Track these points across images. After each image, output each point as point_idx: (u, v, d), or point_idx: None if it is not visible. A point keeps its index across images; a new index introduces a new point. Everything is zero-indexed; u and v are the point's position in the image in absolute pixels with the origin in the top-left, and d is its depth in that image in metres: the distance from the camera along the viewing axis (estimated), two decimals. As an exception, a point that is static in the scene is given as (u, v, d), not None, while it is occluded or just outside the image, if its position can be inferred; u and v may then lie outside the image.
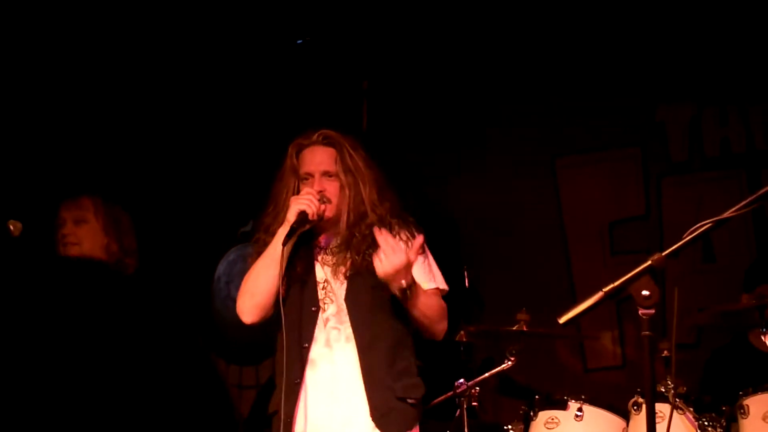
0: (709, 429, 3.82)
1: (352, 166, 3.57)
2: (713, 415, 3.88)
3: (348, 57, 5.79)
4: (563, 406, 4.11)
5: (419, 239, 3.48)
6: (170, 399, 1.34)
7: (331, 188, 3.57)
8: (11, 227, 3.50)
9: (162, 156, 5.78)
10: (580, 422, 4.04)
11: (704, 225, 2.47)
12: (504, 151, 5.87)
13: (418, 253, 3.46)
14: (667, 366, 4.10)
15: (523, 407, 4.26)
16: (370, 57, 5.79)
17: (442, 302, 3.62)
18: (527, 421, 4.20)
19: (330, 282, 3.60)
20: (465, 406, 4.10)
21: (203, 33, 5.61)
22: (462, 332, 4.44)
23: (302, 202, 3.47)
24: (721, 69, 5.41)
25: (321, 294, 3.60)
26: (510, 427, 4.28)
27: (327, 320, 3.58)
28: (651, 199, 5.62)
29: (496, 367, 4.24)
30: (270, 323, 3.63)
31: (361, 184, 3.57)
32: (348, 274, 3.56)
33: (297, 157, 3.66)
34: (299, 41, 5.82)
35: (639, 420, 3.91)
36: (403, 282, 3.37)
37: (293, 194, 3.60)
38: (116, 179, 5.13)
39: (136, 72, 5.59)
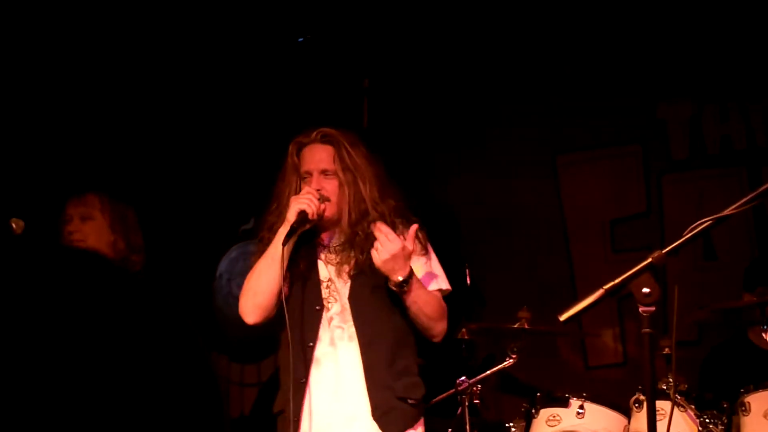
0: (711, 426, 3.83)
1: (350, 163, 3.57)
2: (714, 412, 3.88)
3: (349, 55, 5.79)
4: (565, 404, 4.11)
5: (414, 227, 3.49)
6: (163, 397, 1.34)
7: (330, 186, 3.58)
8: (14, 225, 3.50)
9: (163, 154, 5.78)
10: (582, 419, 4.05)
11: (704, 222, 2.47)
12: (505, 149, 5.87)
13: (413, 241, 3.47)
14: (668, 363, 4.11)
15: (524, 405, 4.27)
16: (371, 55, 5.79)
17: (443, 303, 3.63)
18: (529, 418, 4.21)
19: (334, 281, 3.60)
20: (467, 404, 4.11)
21: (205, 32, 5.61)
22: (463, 330, 4.45)
23: (302, 202, 3.47)
24: (722, 66, 5.41)
25: (325, 293, 3.60)
26: (512, 424, 4.29)
27: (331, 319, 3.58)
28: (652, 197, 5.62)
29: (498, 365, 4.25)
30: (273, 323, 3.63)
31: (360, 181, 3.57)
32: (352, 273, 3.57)
33: (298, 156, 3.66)
34: (300, 39, 5.82)
35: (640, 417, 3.91)
36: (400, 275, 3.38)
37: (295, 193, 3.60)
38: (118, 177, 5.14)
39: (138, 70, 5.60)
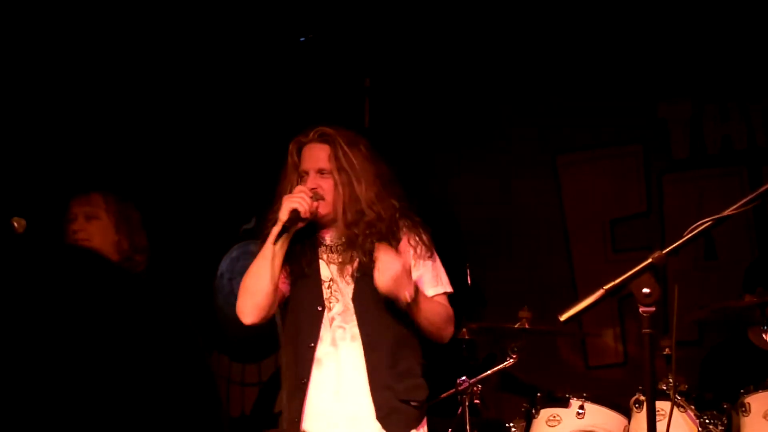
0: (710, 427, 3.82)
1: (346, 163, 3.57)
2: (714, 412, 3.88)
3: (350, 55, 5.80)
4: (565, 404, 4.11)
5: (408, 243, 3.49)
6: (161, 398, 1.34)
7: (326, 185, 3.57)
8: (15, 224, 3.51)
9: (164, 153, 5.79)
10: (582, 420, 4.05)
11: (705, 223, 2.48)
12: (505, 149, 5.87)
13: (411, 252, 3.47)
14: (669, 363, 4.11)
15: (524, 404, 4.27)
16: (372, 55, 5.80)
17: (449, 308, 3.64)
18: (529, 418, 4.21)
19: (336, 281, 3.60)
20: (467, 404, 4.11)
21: (207, 32, 5.62)
22: (464, 329, 4.45)
23: (294, 201, 3.47)
24: (722, 66, 5.41)
25: (326, 293, 3.60)
26: (512, 424, 4.29)
27: (333, 319, 3.58)
28: (652, 197, 5.62)
29: (498, 365, 4.25)
30: (274, 323, 3.64)
31: (355, 181, 3.55)
32: (356, 275, 3.57)
33: (298, 155, 3.67)
34: (302, 39, 5.83)
35: (641, 418, 3.91)
36: (406, 296, 3.39)
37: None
38: (119, 176, 5.14)
39: (140, 70, 5.60)
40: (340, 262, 3.60)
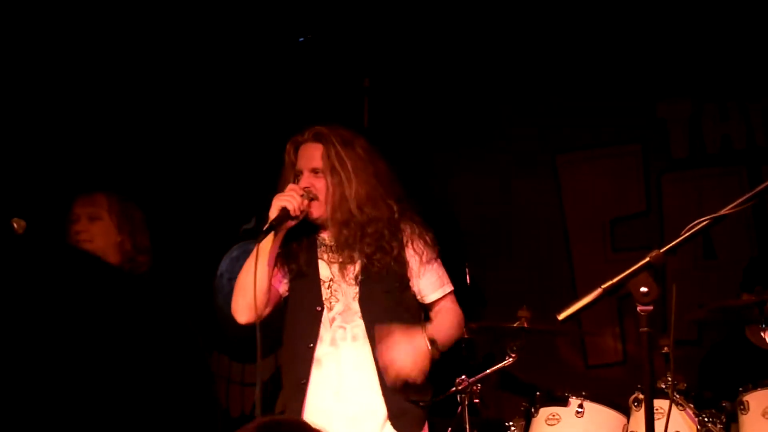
0: (709, 425, 3.83)
1: (338, 163, 3.58)
2: (713, 411, 3.89)
3: (349, 55, 5.80)
4: (564, 403, 4.12)
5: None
6: (158, 397, 1.35)
7: (319, 185, 3.59)
8: (15, 225, 3.51)
9: (164, 153, 5.80)
10: (581, 418, 4.05)
11: (702, 222, 2.48)
12: (505, 148, 5.88)
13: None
14: (668, 362, 4.11)
15: (524, 404, 4.28)
16: (372, 55, 5.80)
17: (457, 308, 3.70)
18: (528, 417, 4.22)
19: (336, 281, 3.61)
20: (466, 403, 4.12)
21: (207, 33, 5.62)
22: (464, 329, 4.45)
23: (284, 199, 3.49)
24: (721, 65, 5.41)
25: (326, 293, 3.61)
26: (511, 423, 4.30)
27: (333, 319, 3.59)
28: (652, 196, 5.63)
29: (497, 364, 4.26)
30: (272, 322, 3.65)
31: (346, 182, 3.57)
32: (360, 277, 3.58)
33: (294, 154, 3.68)
34: (301, 39, 5.83)
35: (640, 416, 3.92)
36: (434, 353, 3.51)
37: None
38: (120, 176, 5.15)
39: (140, 70, 5.61)
40: (341, 262, 3.61)
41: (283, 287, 3.68)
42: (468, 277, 5.55)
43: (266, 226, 3.46)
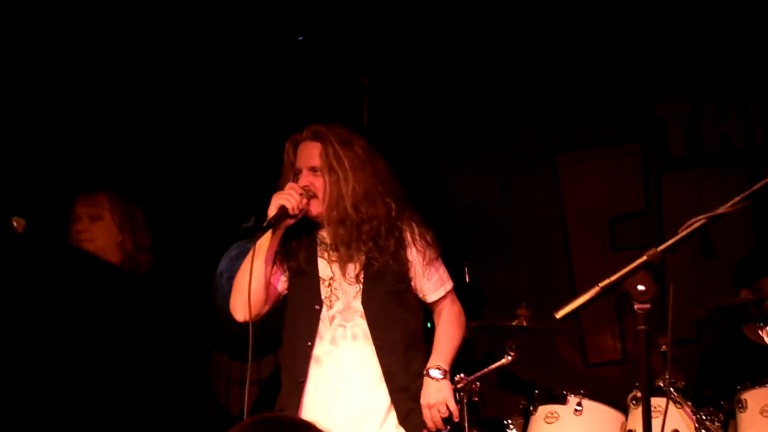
0: (707, 423, 3.84)
1: (335, 161, 3.59)
2: (711, 409, 3.90)
3: (349, 54, 5.81)
4: (563, 401, 4.13)
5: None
6: (154, 396, 1.37)
7: (318, 183, 3.60)
8: (15, 224, 3.52)
9: (163, 152, 5.80)
10: (580, 417, 4.06)
11: (699, 220, 2.50)
12: (504, 148, 5.89)
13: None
14: (666, 361, 4.13)
15: (523, 402, 4.29)
16: (371, 54, 5.81)
17: (458, 305, 3.75)
18: (527, 415, 4.23)
19: (337, 279, 3.62)
20: (465, 401, 4.13)
21: (206, 31, 5.63)
22: (462, 327, 4.46)
23: (282, 197, 3.50)
24: (720, 65, 5.43)
25: (326, 291, 3.61)
26: (510, 421, 4.31)
27: (333, 318, 3.60)
28: (651, 195, 5.65)
29: (496, 362, 4.27)
30: (271, 320, 3.65)
31: (343, 181, 3.58)
32: (362, 278, 3.59)
33: (293, 153, 3.69)
34: (300, 38, 5.84)
35: (638, 414, 3.93)
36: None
37: None
38: (119, 176, 5.15)
39: (139, 69, 5.62)
40: (341, 261, 3.61)
41: (282, 285, 3.69)
42: (467, 276, 5.56)
43: (264, 224, 3.47)
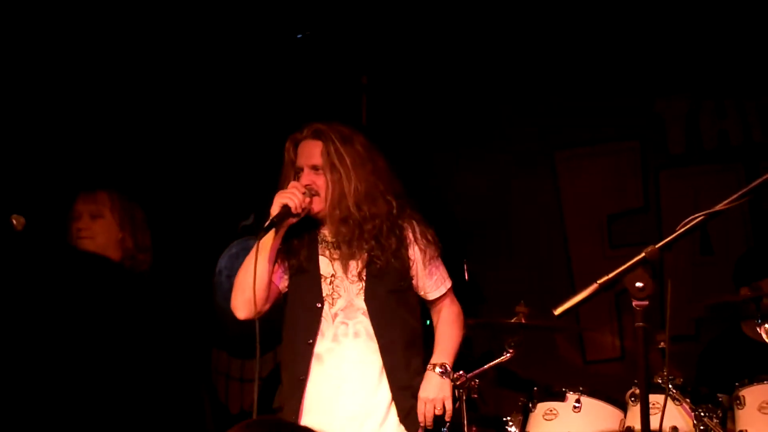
0: (706, 419, 3.85)
1: (337, 160, 3.59)
2: (710, 405, 3.91)
3: (347, 52, 5.81)
4: (561, 398, 4.14)
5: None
6: (152, 395, 1.37)
7: (320, 182, 3.60)
8: (14, 221, 3.52)
9: (162, 150, 5.80)
10: (578, 413, 4.07)
11: (697, 218, 2.50)
12: (504, 145, 5.90)
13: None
14: (664, 357, 4.13)
15: (522, 399, 4.30)
16: (370, 52, 5.81)
17: (457, 305, 3.76)
18: (526, 412, 4.23)
19: (339, 277, 3.62)
20: (464, 398, 4.13)
21: (204, 29, 5.63)
22: (461, 324, 4.47)
23: (285, 196, 3.51)
24: (719, 63, 5.43)
25: (327, 289, 3.61)
26: (509, 418, 4.31)
27: (335, 315, 3.60)
28: (649, 192, 5.65)
29: (495, 360, 4.28)
30: (271, 318, 3.66)
31: (345, 179, 3.58)
32: (364, 276, 3.59)
33: (294, 151, 3.69)
34: (299, 36, 5.84)
35: (636, 411, 3.93)
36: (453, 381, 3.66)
37: None
38: (118, 173, 5.16)
39: (138, 67, 5.62)
40: (343, 259, 3.62)
41: (282, 283, 3.70)
42: (466, 273, 5.57)
43: (267, 223, 3.47)
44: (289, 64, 5.86)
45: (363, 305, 3.60)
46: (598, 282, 2.53)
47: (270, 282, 3.59)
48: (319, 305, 3.60)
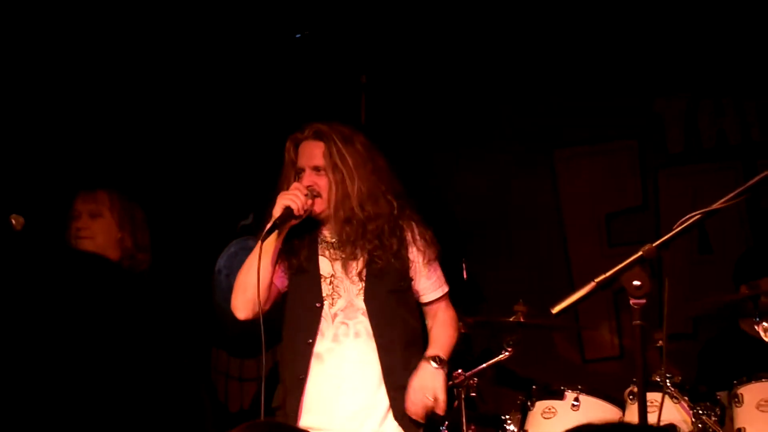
0: (704, 417, 3.86)
1: (339, 161, 3.59)
2: (708, 404, 3.92)
3: (346, 51, 5.81)
4: (560, 396, 4.14)
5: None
6: (152, 395, 1.38)
7: (321, 183, 3.60)
8: (13, 221, 3.52)
9: (162, 149, 5.81)
10: (577, 412, 4.08)
11: (694, 216, 2.52)
12: (503, 144, 5.90)
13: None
14: (662, 356, 4.14)
15: (520, 397, 4.30)
16: (369, 51, 5.81)
17: (452, 309, 3.75)
18: (525, 411, 4.24)
19: (339, 277, 3.62)
20: (463, 397, 4.14)
21: (204, 29, 5.64)
22: (460, 323, 4.47)
23: (288, 198, 3.50)
24: (717, 62, 5.44)
25: (327, 289, 3.61)
26: (508, 417, 4.32)
27: (335, 315, 3.60)
28: (648, 191, 5.66)
29: (494, 358, 4.28)
30: (270, 318, 3.66)
31: (348, 179, 3.58)
32: (364, 275, 3.59)
33: (295, 152, 3.69)
34: (298, 35, 5.84)
35: (635, 409, 3.93)
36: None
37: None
38: (117, 173, 5.16)
39: (138, 68, 5.62)
40: (343, 259, 3.62)
41: (282, 283, 3.70)
42: (465, 273, 5.57)
43: (269, 225, 3.47)
44: (287, 63, 5.86)
45: (363, 305, 3.60)
46: (596, 280, 2.54)
47: (271, 283, 3.60)
48: (319, 305, 3.60)
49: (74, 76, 5.37)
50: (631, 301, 2.51)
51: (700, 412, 3.87)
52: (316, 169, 3.61)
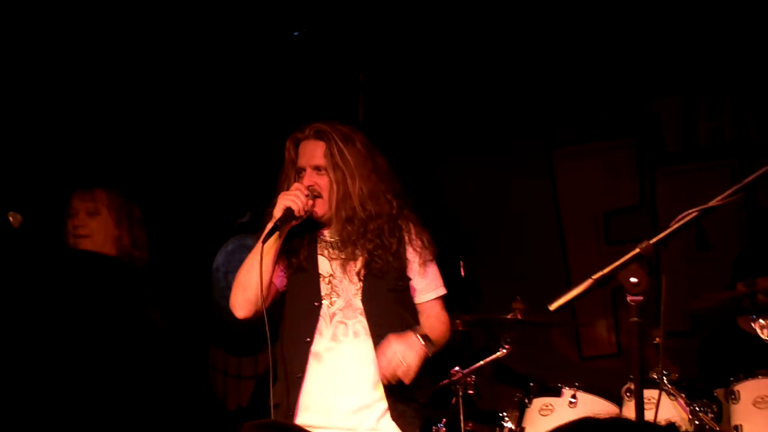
0: (701, 414, 3.86)
1: (340, 160, 3.58)
2: (705, 400, 3.93)
3: (344, 49, 5.82)
4: (557, 394, 4.15)
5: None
6: (157, 394, 1.38)
7: (322, 183, 3.59)
8: (11, 219, 3.52)
9: (159, 148, 5.81)
10: (574, 409, 4.08)
11: (691, 213, 2.52)
12: (501, 143, 5.91)
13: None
14: (659, 353, 4.15)
15: (518, 394, 4.31)
16: (367, 50, 5.82)
17: (445, 314, 3.73)
18: (522, 408, 4.25)
19: (337, 277, 3.62)
20: (461, 394, 4.15)
21: (202, 27, 5.64)
22: (458, 321, 4.48)
23: (289, 198, 3.49)
24: (714, 61, 5.45)
25: (326, 288, 3.61)
26: (505, 414, 4.33)
27: (333, 315, 3.60)
28: (645, 189, 5.67)
29: (492, 356, 4.29)
30: (268, 316, 3.66)
31: (349, 179, 3.57)
32: (362, 275, 3.59)
33: (295, 151, 3.68)
34: (296, 33, 5.84)
35: (632, 406, 3.91)
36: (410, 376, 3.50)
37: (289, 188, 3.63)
38: (115, 171, 5.16)
39: (136, 67, 5.62)
40: (342, 258, 3.61)
41: (281, 282, 3.69)
42: (462, 270, 5.58)
43: (270, 226, 3.46)
44: (285, 61, 5.86)
45: (360, 305, 3.60)
46: (593, 277, 2.55)
47: (270, 282, 3.60)
48: (317, 304, 3.60)
49: (72, 75, 5.36)
50: (629, 298, 2.51)
51: (697, 409, 3.88)
52: (317, 168, 3.61)
